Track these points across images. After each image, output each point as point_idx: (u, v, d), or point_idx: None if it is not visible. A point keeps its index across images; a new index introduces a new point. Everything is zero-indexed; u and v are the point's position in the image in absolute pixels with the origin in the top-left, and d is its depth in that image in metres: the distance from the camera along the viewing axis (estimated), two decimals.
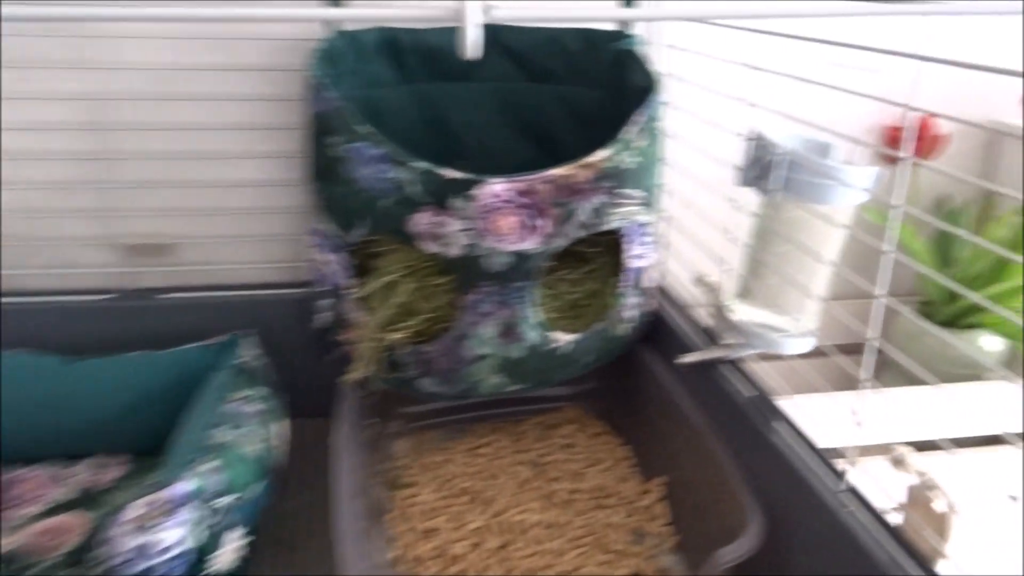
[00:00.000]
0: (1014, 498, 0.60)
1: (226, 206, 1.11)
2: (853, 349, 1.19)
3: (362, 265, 0.99)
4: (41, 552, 0.86)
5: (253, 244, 1.14)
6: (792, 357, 0.87)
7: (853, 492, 0.66)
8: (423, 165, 0.86)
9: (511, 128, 1.12)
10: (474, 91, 1.10)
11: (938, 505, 0.56)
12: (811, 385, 1.20)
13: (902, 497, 0.63)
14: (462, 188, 0.86)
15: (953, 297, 1.05)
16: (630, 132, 0.90)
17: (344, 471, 0.84)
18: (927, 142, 1.12)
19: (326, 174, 0.92)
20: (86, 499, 0.94)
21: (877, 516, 0.63)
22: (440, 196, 0.87)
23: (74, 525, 0.91)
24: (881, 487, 0.65)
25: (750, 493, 0.76)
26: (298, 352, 1.09)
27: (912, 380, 1.10)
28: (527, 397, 1.08)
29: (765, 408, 0.79)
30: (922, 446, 0.79)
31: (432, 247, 0.90)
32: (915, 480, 0.59)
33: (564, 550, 0.85)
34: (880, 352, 1.24)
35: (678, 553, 0.86)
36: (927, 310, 1.12)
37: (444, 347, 0.95)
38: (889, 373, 1.16)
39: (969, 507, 0.58)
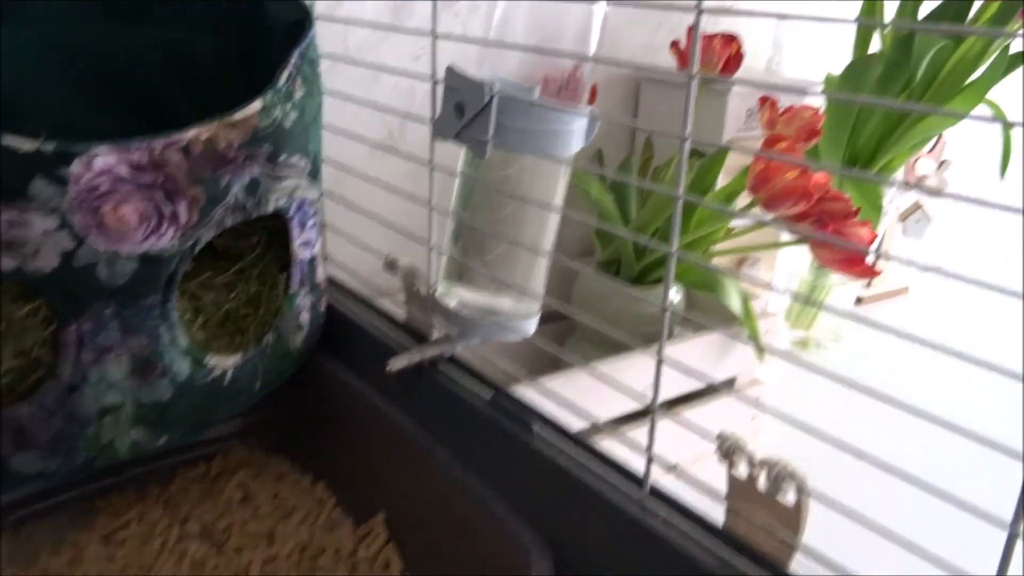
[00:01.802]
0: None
1: None
2: (549, 317, 1.11)
3: None
4: None
5: None
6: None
7: (659, 496, 0.55)
8: None
9: (89, 91, 0.81)
10: (20, 38, 0.77)
11: (788, 497, 0.46)
12: (525, 364, 1.09)
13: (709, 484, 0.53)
14: (47, 165, 0.58)
15: (640, 254, 1.00)
16: (285, 78, 0.68)
17: None
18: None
19: None
20: None
21: (698, 520, 0.52)
22: (8, 181, 0.57)
23: None
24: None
25: (518, 520, 0.61)
26: None
27: (601, 347, 1.05)
28: (177, 446, 0.81)
29: (513, 408, 0.64)
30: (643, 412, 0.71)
31: (5, 261, 0.59)
32: (742, 472, 0.49)
33: None
34: (565, 319, 1.17)
35: None
36: (605, 270, 1.07)
37: (46, 405, 0.65)
38: (574, 340, 1.10)
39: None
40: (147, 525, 0.75)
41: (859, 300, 1.56)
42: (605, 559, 0.57)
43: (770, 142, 0.82)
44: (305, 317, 0.80)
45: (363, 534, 0.74)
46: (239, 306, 0.76)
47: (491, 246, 0.67)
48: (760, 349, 0.97)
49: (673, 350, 0.99)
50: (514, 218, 0.66)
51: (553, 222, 0.68)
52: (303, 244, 0.78)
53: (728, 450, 0.48)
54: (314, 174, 0.75)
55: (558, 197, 0.67)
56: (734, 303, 0.96)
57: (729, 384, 1.08)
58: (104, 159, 0.60)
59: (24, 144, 0.57)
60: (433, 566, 0.70)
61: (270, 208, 0.71)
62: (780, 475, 0.45)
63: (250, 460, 0.85)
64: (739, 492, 0.49)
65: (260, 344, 0.75)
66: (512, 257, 0.68)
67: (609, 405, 0.89)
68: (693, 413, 1.00)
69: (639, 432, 0.97)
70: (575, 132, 0.65)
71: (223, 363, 0.72)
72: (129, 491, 0.80)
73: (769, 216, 0.83)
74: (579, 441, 0.60)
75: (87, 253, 0.61)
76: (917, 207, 1.63)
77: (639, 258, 1.01)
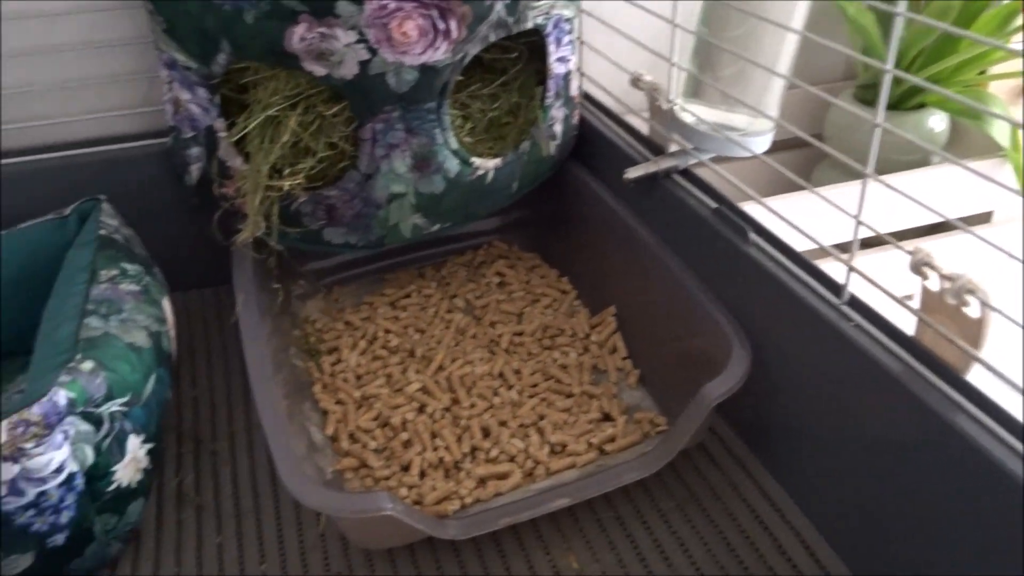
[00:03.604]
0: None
1: (45, 42, 0.88)
2: (792, 144, 1.11)
3: (234, 100, 0.81)
4: None
5: (90, 89, 0.92)
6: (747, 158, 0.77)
7: (856, 304, 0.59)
8: None
9: None
10: None
11: (972, 310, 0.48)
12: (762, 187, 1.12)
13: (907, 301, 0.56)
14: None
15: (897, 78, 0.96)
16: None
17: (255, 344, 0.71)
18: None
19: None
20: None
21: (888, 328, 0.56)
22: (321, 0, 0.70)
23: None
24: (880, 291, 0.58)
25: (728, 316, 0.68)
26: (169, 215, 0.92)
27: (850, 174, 1.04)
28: (447, 236, 0.96)
29: (734, 219, 0.70)
30: (870, 242, 0.72)
31: (318, 69, 0.73)
32: (934, 284, 0.51)
33: (520, 401, 0.76)
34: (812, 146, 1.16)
35: (643, 388, 0.78)
36: (865, 95, 1.04)
37: (349, 189, 0.80)
38: (823, 167, 1.09)
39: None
40: (424, 296, 0.91)
41: None
42: (800, 357, 0.63)
43: None
44: (558, 128, 0.89)
45: (596, 323, 0.85)
46: (501, 115, 0.86)
47: (726, 63, 0.70)
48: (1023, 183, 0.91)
49: (924, 179, 0.95)
50: (749, 37, 0.68)
51: (791, 43, 0.69)
52: (559, 60, 0.85)
53: (918, 263, 0.51)
54: None
55: (797, 19, 0.68)
56: (999, 133, 0.90)
57: (985, 218, 1.03)
58: None
59: None
60: (650, 354, 0.79)
61: (529, 24, 0.79)
62: (964, 288, 0.48)
63: (508, 253, 0.98)
64: (929, 304, 0.52)
65: (517, 150, 0.86)
66: (746, 75, 0.70)
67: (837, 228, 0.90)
68: (940, 244, 0.97)
69: (865, 258, 0.97)
70: None
71: (485, 164, 0.84)
72: (411, 270, 0.96)
73: None
74: (789, 251, 0.65)
75: (378, 63, 0.73)
76: None
77: (898, 82, 0.97)
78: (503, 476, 0.68)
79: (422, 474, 0.69)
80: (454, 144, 0.80)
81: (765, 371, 0.65)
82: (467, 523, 0.61)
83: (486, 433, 0.73)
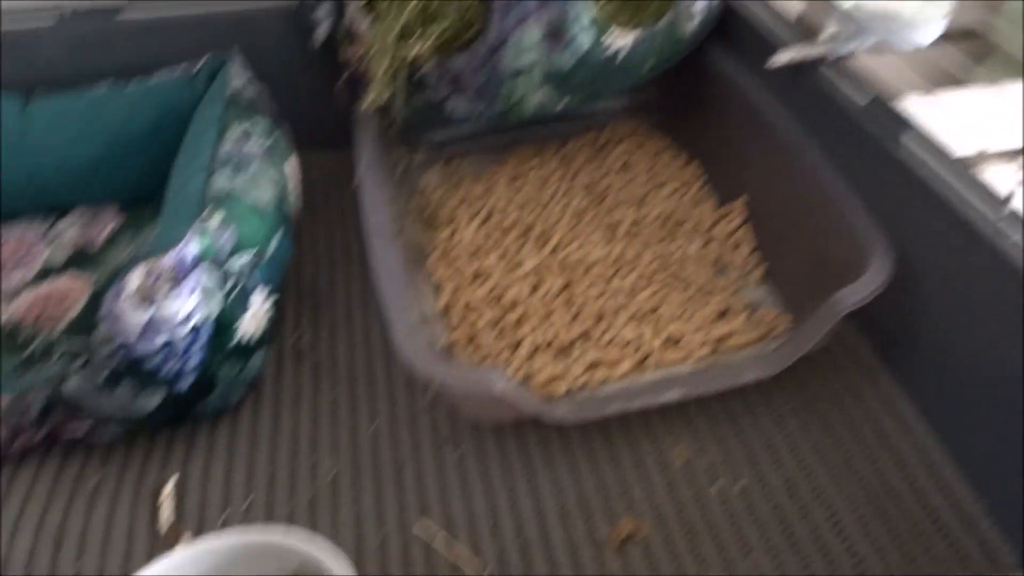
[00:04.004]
0: None
1: None
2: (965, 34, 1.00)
3: None
4: (43, 322, 0.76)
5: None
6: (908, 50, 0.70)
7: (1019, 220, 0.54)
8: None
9: None
10: None
11: None
12: (916, 82, 1.03)
13: None
14: None
15: None
16: None
17: (375, 210, 0.71)
18: None
19: None
20: (81, 259, 0.82)
21: None
22: None
23: (73, 289, 0.80)
24: None
25: (871, 220, 0.64)
26: (293, 74, 0.91)
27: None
28: (572, 113, 0.92)
29: (887, 117, 0.64)
30: None
31: None
32: None
33: (637, 288, 0.74)
34: (983, 37, 1.05)
35: (767, 285, 0.75)
36: None
37: (476, 59, 0.78)
38: (994, 61, 0.99)
39: None
40: (542, 175, 0.89)
41: None
42: (949, 271, 0.58)
43: None
44: (700, 6, 0.83)
45: (723, 214, 0.82)
46: None
47: None
48: None
49: None
50: None
51: None
52: None
53: None
54: None
55: None
56: None
57: None
58: None
59: None
60: (779, 252, 0.76)
61: None
62: None
63: (634, 134, 0.94)
64: None
65: (655, 26, 0.80)
66: None
67: (1005, 134, 0.82)
68: None
69: None
70: None
71: (619, 42, 0.79)
72: (532, 145, 0.94)
73: None
74: (947, 156, 0.59)
75: None
76: None
77: None
78: (614, 363, 0.68)
79: (532, 353, 0.69)
80: (590, 14, 0.76)
81: (906, 281, 0.61)
82: (576, 406, 0.61)
83: (599, 318, 0.72)
